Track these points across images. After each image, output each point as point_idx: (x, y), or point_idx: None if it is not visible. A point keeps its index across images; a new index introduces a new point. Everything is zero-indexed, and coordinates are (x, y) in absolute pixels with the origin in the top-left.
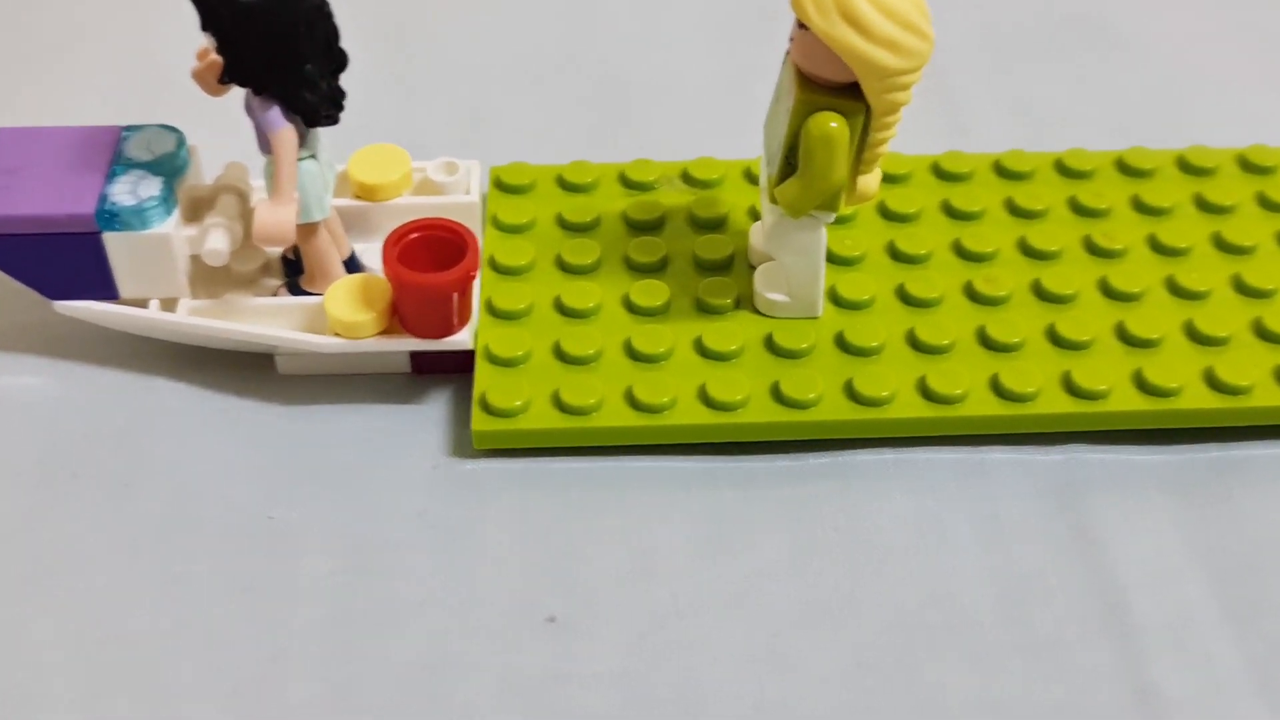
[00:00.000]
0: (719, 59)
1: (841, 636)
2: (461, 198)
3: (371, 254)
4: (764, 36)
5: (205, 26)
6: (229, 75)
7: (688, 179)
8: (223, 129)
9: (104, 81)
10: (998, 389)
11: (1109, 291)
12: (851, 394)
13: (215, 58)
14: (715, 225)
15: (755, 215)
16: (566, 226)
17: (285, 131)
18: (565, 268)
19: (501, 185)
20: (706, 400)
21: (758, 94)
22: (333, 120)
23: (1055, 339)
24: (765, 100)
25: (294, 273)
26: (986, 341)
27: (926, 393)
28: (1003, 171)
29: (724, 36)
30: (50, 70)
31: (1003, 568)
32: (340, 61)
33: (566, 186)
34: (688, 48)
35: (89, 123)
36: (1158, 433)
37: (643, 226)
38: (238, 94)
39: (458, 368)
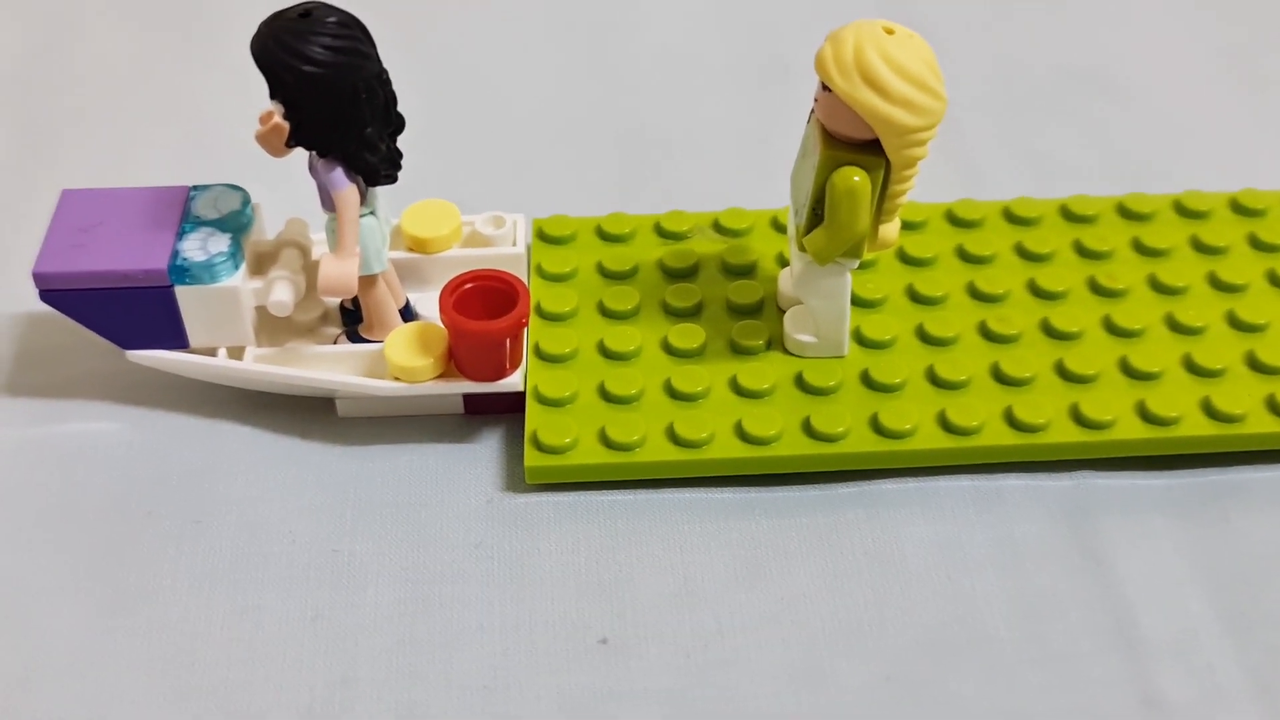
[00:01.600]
0: (743, 114)
1: (872, 653)
2: (508, 249)
3: (425, 303)
4: (783, 93)
5: (274, 94)
6: (296, 139)
7: (719, 228)
8: (277, 185)
9: (160, 137)
10: (1011, 420)
11: (1112, 328)
12: (876, 427)
13: (279, 122)
14: (746, 271)
15: (783, 262)
16: (607, 274)
17: (348, 191)
18: (607, 313)
19: (544, 236)
20: (742, 435)
21: (781, 147)
22: (392, 179)
23: (1064, 373)
24: (788, 153)
25: (353, 321)
26: (1000, 377)
27: (946, 425)
28: (1012, 218)
29: (746, 92)
30: (117, 133)
31: (1018, 587)
32: (398, 124)
33: (605, 237)
34: (713, 103)
35: (155, 182)
36: (1160, 459)
37: (678, 274)
38: (296, 154)
39: (508, 408)
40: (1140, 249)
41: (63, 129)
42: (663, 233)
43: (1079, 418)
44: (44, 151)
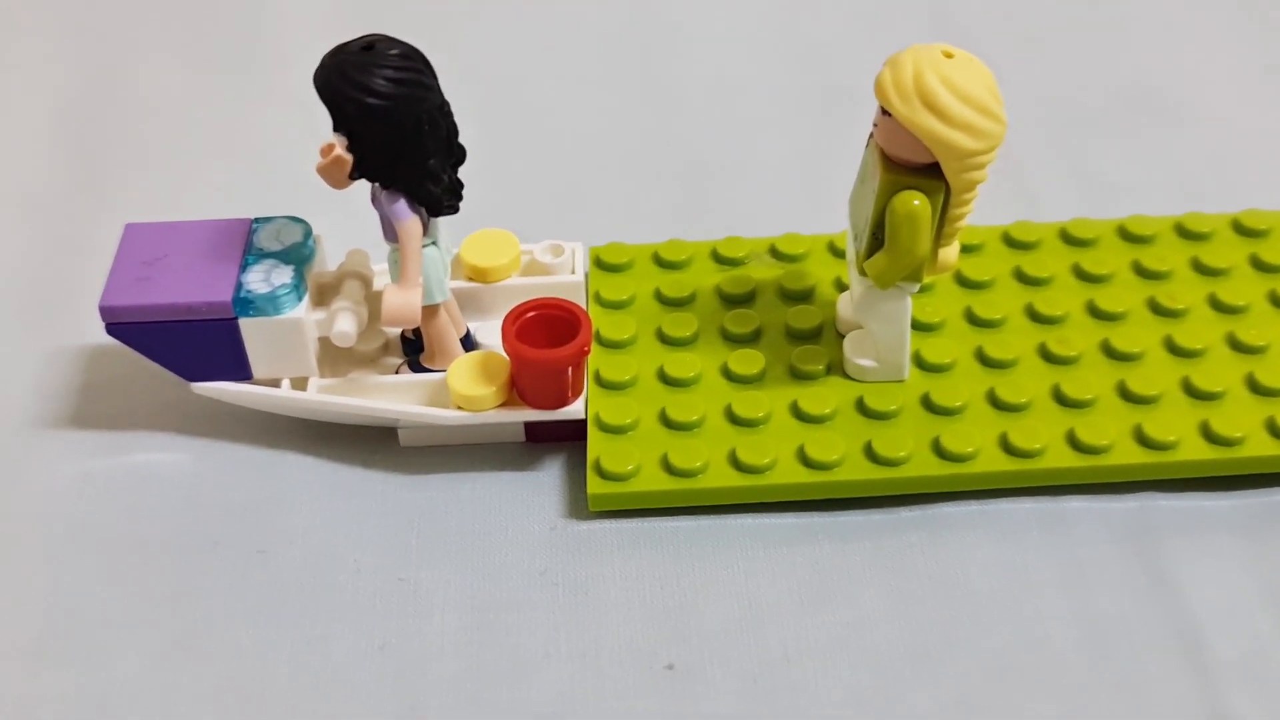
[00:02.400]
0: (798, 139)
1: (939, 677)
2: (567, 277)
3: (485, 331)
4: (838, 117)
5: (338, 127)
6: (359, 171)
7: (776, 254)
8: (336, 217)
9: (219, 170)
10: (1074, 442)
11: (1174, 349)
12: (938, 451)
13: (342, 154)
14: (804, 297)
15: (841, 286)
16: (665, 301)
17: (411, 223)
18: (666, 340)
19: (602, 264)
20: (804, 460)
21: (834, 172)
22: (454, 210)
23: (1125, 394)
24: (844, 178)
25: (414, 351)
26: (1061, 398)
27: (1008, 447)
28: (1069, 239)
29: (800, 117)
30: (177, 167)
31: (1084, 609)
32: (460, 155)
33: (663, 264)
34: (768, 129)
35: (215, 215)
36: (1225, 479)
37: (736, 300)
38: (355, 186)
39: (568, 436)
40: (1199, 268)
41: (124, 163)
42: (720, 259)
43: (1142, 439)
44: (106, 185)
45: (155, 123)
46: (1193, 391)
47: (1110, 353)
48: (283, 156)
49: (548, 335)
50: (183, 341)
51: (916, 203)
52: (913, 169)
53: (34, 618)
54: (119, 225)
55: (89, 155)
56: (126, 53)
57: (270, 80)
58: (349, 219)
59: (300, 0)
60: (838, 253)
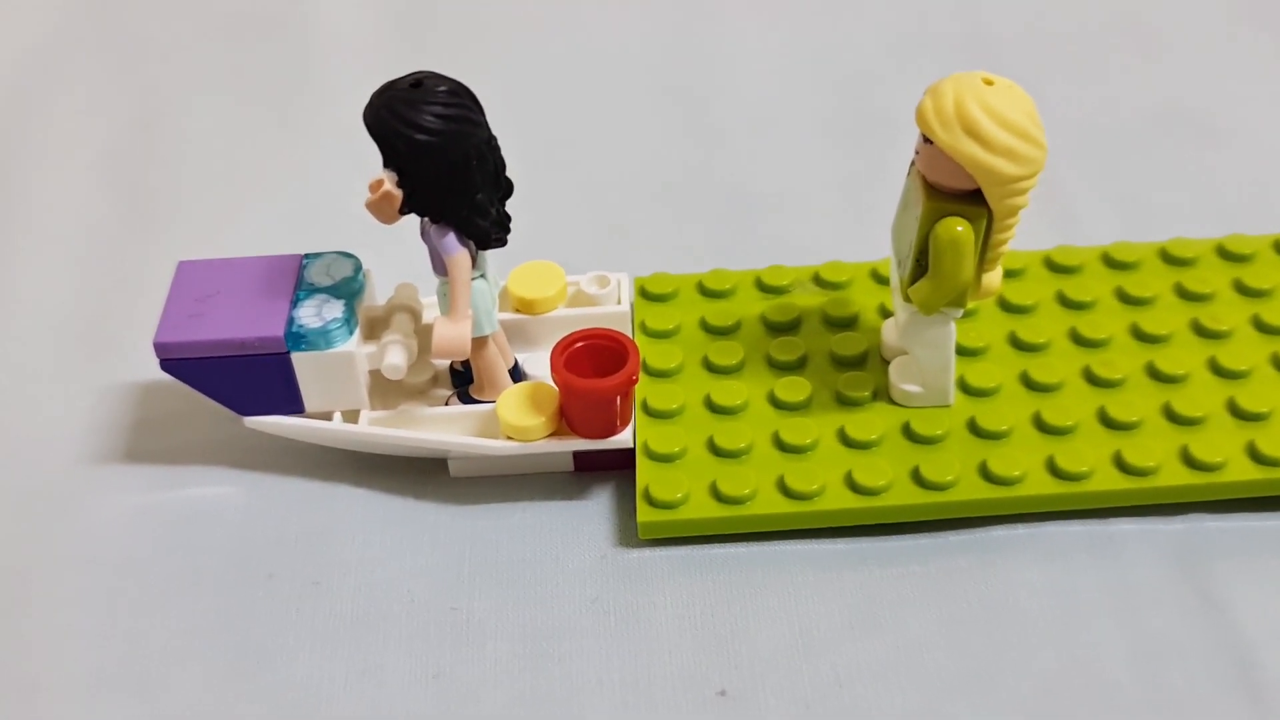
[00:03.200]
0: (839, 167)
1: (990, 701)
2: (613, 308)
3: (533, 363)
4: (878, 145)
5: (388, 163)
6: (409, 206)
7: (819, 281)
8: (384, 250)
9: (271, 208)
10: (1121, 464)
11: (1218, 370)
12: (985, 475)
13: (391, 189)
14: (848, 324)
15: (885, 313)
16: (710, 330)
17: (460, 256)
18: (712, 368)
19: (646, 294)
20: (852, 486)
21: (876, 199)
22: (501, 243)
23: (1171, 416)
24: (885, 205)
25: (462, 383)
26: (1107, 421)
27: (1055, 470)
28: (1111, 262)
29: (841, 146)
30: (226, 204)
31: (1135, 632)
32: (507, 189)
33: (707, 293)
34: (809, 158)
35: (265, 251)
36: (1273, 499)
37: (781, 328)
38: (403, 221)
39: (618, 465)
40: (1242, 290)
41: (174, 201)
42: (764, 287)
43: (1189, 460)
44: (157, 223)
45: (204, 160)
46: (1238, 412)
47: (1155, 375)
48: (332, 192)
49: (595, 365)
50: (236, 376)
51: (960, 229)
52: (955, 195)
53: (89, 651)
54: (170, 263)
55: (139, 194)
56: (174, 92)
57: (318, 116)
58: (398, 253)
59: (346, 37)
60: (881, 279)
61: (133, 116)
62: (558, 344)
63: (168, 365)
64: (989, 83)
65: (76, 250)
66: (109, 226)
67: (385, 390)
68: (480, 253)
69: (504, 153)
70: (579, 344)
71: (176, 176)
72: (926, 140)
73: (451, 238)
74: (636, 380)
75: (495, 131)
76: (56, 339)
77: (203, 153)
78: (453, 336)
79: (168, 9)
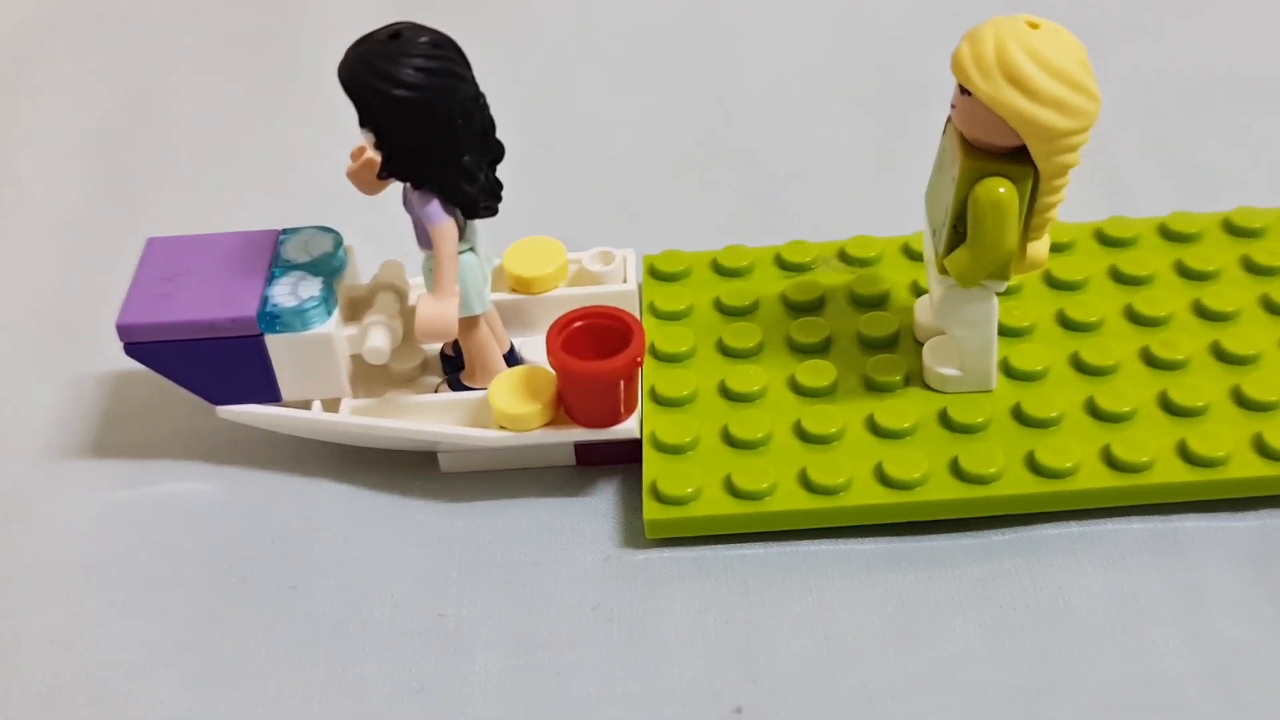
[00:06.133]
0: (865, 136)
1: None
2: (619, 287)
3: (531, 348)
4: (908, 112)
5: (363, 122)
6: (387, 170)
7: (845, 258)
8: (374, 227)
9: (253, 185)
10: (1185, 454)
11: None
12: (1033, 466)
13: (371, 155)
14: (877, 303)
15: (918, 291)
16: (725, 311)
17: (445, 225)
18: (727, 352)
19: (656, 273)
20: (883, 479)
21: (907, 170)
22: (491, 212)
23: (1241, 400)
24: (916, 176)
25: (454, 369)
26: (1169, 407)
27: (1111, 461)
28: (1169, 234)
29: (867, 113)
30: (210, 183)
31: (1205, 641)
32: (497, 153)
33: (722, 271)
34: (832, 126)
35: (244, 227)
36: None
37: (803, 307)
38: (388, 193)
39: (623, 458)
40: None
41: (155, 181)
42: (784, 265)
43: (1263, 449)
44: (138, 204)
45: (187, 139)
46: None
47: (1222, 355)
48: (320, 170)
49: (596, 346)
50: (206, 361)
51: (1002, 190)
52: (996, 153)
53: (52, 656)
54: None
55: (121, 175)
56: (158, 72)
57: (307, 93)
58: (386, 229)
59: (338, 12)
60: (913, 255)
61: (115, 98)
62: (554, 323)
63: (133, 349)
64: (1034, 26)
65: (52, 234)
66: (88, 209)
67: (370, 377)
68: (470, 224)
69: (503, 118)
70: (578, 323)
71: (160, 157)
72: (964, 91)
73: (435, 205)
74: (641, 362)
75: (494, 96)
76: (25, 327)
77: (185, 132)
78: (437, 315)
79: None
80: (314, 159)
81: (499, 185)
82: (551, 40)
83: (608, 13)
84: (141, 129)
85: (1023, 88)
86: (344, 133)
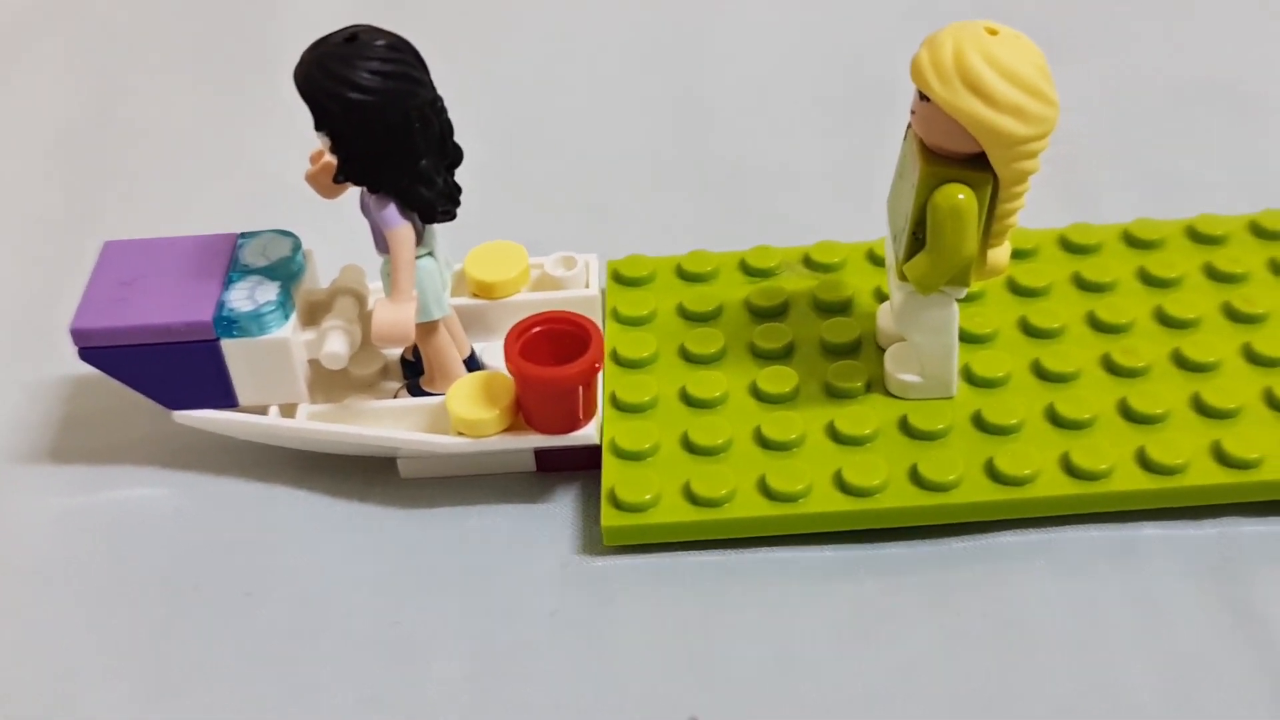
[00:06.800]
0: (830, 142)
1: None
2: (581, 292)
3: (491, 353)
4: (873, 118)
5: (319, 126)
6: (344, 174)
7: (809, 263)
8: (335, 232)
9: (215, 190)
10: (1145, 462)
11: (1253, 357)
12: (993, 474)
13: (329, 158)
14: (840, 308)
15: (881, 297)
16: (688, 316)
17: (402, 229)
18: (689, 358)
19: (620, 278)
20: (842, 486)
21: (871, 175)
22: (449, 216)
23: (1201, 408)
24: (881, 183)
25: (414, 374)
26: (1129, 414)
27: (1071, 469)
28: (1133, 241)
29: (832, 119)
30: (171, 188)
31: (1162, 651)
32: (455, 156)
33: (686, 276)
34: (798, 132)
35: (205, 230)
36: None
37: (766, 313)
38: (350, 197)
39: (583, 464)
40: (1278, 269)
41: (115, 183)
42: (748, 270)
43: (1221, 457)
44: (98, 209)
45: (148, 144)
46: (1276, 404)
47: (1182, 363)
48: (280, 172)
49: (555, 352)
50: (162, 366)
51: (961, 196)
52: (956, 160)
53: (4, 663)
54: None
55: (80, 177)
56: (117, 75)
57: (268, 96)
58: (347, 235)
59: (300, 15)
60: (877, 261)
61: (74, 101)
62: (512, 329)
63: (87, 354)
64: (993, 32)
65: (10, 236)
66: (49, 212)
67: (330, 382)
68: (429, 228)
69: (461, 121)
70: (535, 329)
71: (118, 161)
72: (923, 97)
73: (392, 209)
74: (599, 368)
75: (451, 97)
76: None
77: (146, 136)
78: (394, 321)
79: None
80: (275, 162)
81: (457, 189)
82: (516, 44)
83: (572, 17)
84: (101, 132)
85: (981, 94)
86: (304, 136)
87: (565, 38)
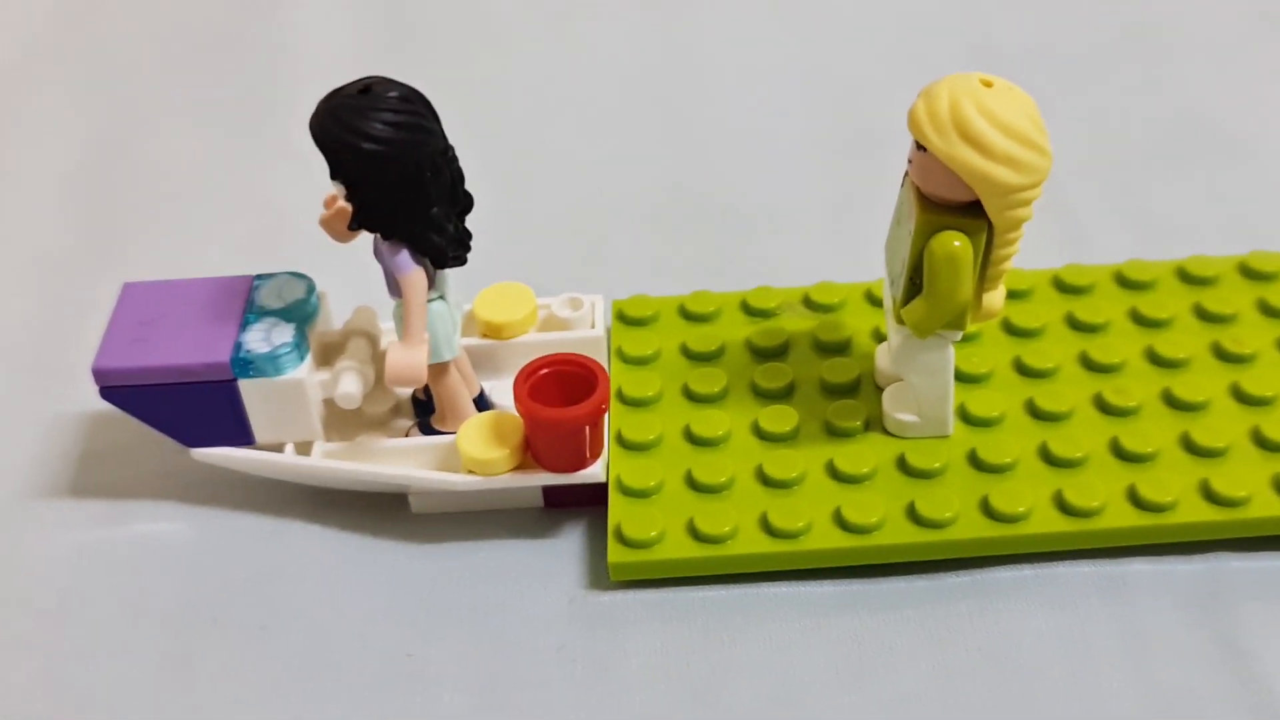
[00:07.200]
0: (830, 185)
1: None
2: (587, 332)
3: (500, 391)
4: (871, 161)
5: (334, 175)
6: (358, 221)
7: (809, 304)
8: (347, 273)
9: (228, 230)
10: (1135, 499)
11: (1242, 397)
12: (987, 511)
13: (343, 205)
14: (840, 349)
15: (879, 337)
16: (691, 356)
17: (415, 274)
18: (693, 397)
19: (624, 318)
20: (842, 523)
21: (869, 217)
22: (460, 261)
23: (1190, 447)
24: (879, 223)
25: (425, 413)
26: (1121, 452)
27: (1063, 506)
28: (1125, 282)
29: (832, 162)
30: (186, 228)
31: (1150, 684)
32: (466, 204)
33: (689, 316)
34: (798, 175)
35: (218, 273)
36: None
37: (767, 353)
38: (362, 239)
39: (589, 501)
40: (1266, 310)
41: (131, 224)
42: (750, 310)
43: (1210, 495)
44: (115, 248)
45: (163, 184)
46: (1264, 443)
47: (1172, 402)
48: (298, 215)
49: (563, 393)
50: (180, 405)
51: (957, 244)
52: (952, 208)
53: (21, 698)
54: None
55: (98, 217)
56: (135, 115)
57: (284, 139)
58: (360, 276)
59: (315, 54)
60: (875, 301)
61: (92, 140)
62: (521, 371)
63: (108, 393)
64: (987, 84)
65: (31, 275)
66: (65, 251)
67: (344, 421)
68: (439, 273)
69: (474, 166)
70: (544, 370)
71: (138, 200)
72: (920, 147)
73: (405, 255)
74: (606, 409)
75: (465, 144)
76: (4, 366)
77: (165, 176)
78: (407, 363)
79: (132, 31)
80: (287, 203)
81: (468, 235)
82: (520, 89)
83: (576, 62)
84: (118, 172)
85: (976, 145)
86: (316, 178)
87: (564, 84)
